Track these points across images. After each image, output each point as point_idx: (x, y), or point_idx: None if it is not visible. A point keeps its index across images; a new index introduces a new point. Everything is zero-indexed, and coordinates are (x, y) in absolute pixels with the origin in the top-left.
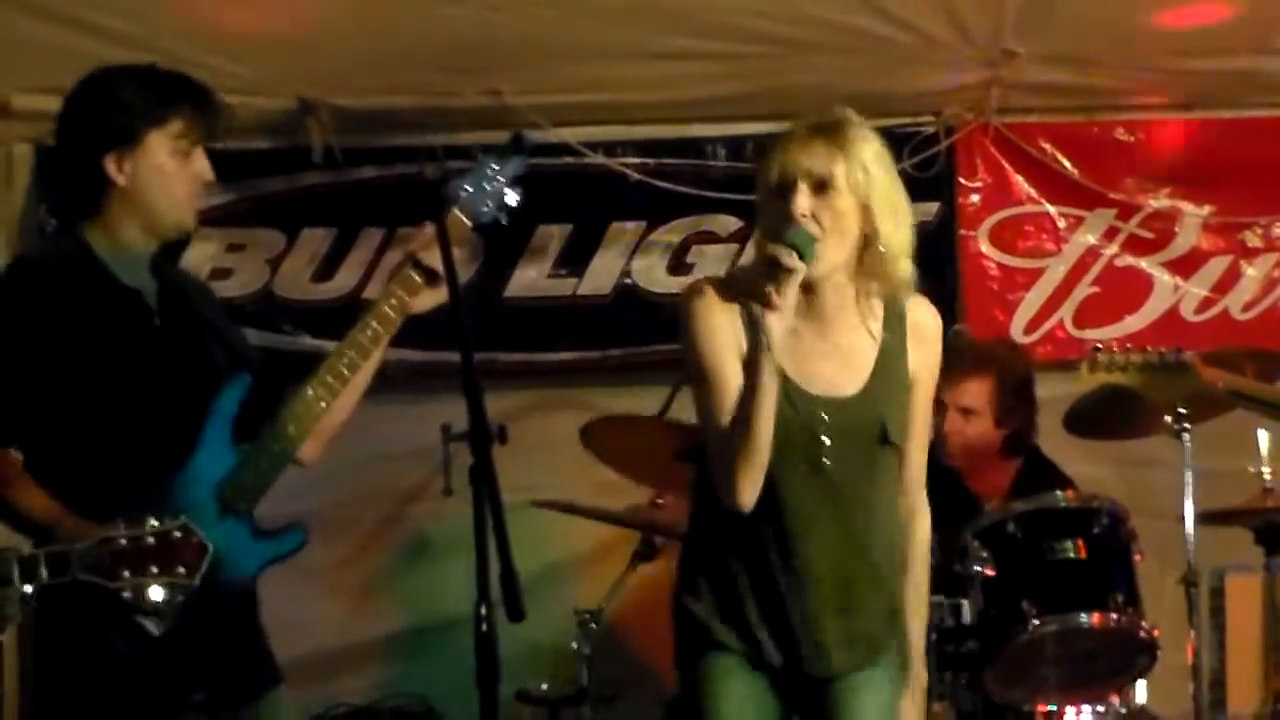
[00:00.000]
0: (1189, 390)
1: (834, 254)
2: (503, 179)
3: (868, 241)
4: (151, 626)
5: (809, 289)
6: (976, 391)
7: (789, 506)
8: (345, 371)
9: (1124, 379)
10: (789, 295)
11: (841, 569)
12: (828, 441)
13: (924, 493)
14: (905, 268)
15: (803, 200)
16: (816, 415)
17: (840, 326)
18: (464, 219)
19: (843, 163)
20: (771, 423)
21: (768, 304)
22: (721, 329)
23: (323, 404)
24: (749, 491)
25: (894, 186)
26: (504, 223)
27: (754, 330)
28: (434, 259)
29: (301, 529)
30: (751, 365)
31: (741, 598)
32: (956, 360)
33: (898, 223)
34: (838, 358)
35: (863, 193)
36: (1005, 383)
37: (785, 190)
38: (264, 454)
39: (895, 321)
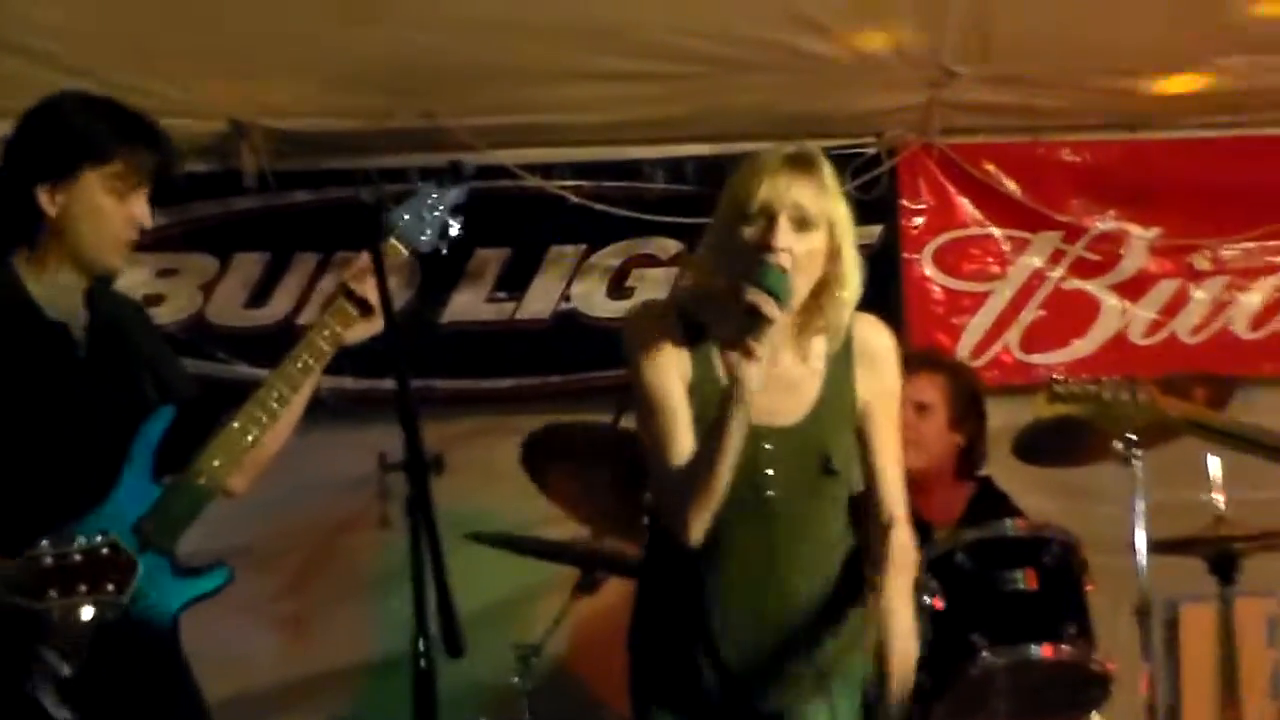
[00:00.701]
0: (1145, 420)
1: (799, 293)
2: (443, 207)
3: (825, 284)
4: (64, 667)
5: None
6: (930, 386)
7: (732, 539)
8: (274, 405)
9: (1080, 410)
10: (766, 343)
11: (787, 601)
12: (771, 473)
13: (902, 507)
14: (849, 310)
15: (785, 236)
16: (759, 446)
17: (782, 356)
18: (402, 247)
19: (827, 201)
20: (732, 465)
21: (748, 354)
22: (668, 360)
23: (249, 437)
24: (699, 528)
25: (852, 227)
26: (444, 252)
27: (706, 366)
28: (368, 289)
29: (225, 566)
30: (720, 422)
31: (689, 634)
32: (910, 362)
33: (857, 270)
34: (780, 387)
35: (839, 236)
36: (958, 383)
37: (765, 221)
38: (186, 489)
39: (839, 346)
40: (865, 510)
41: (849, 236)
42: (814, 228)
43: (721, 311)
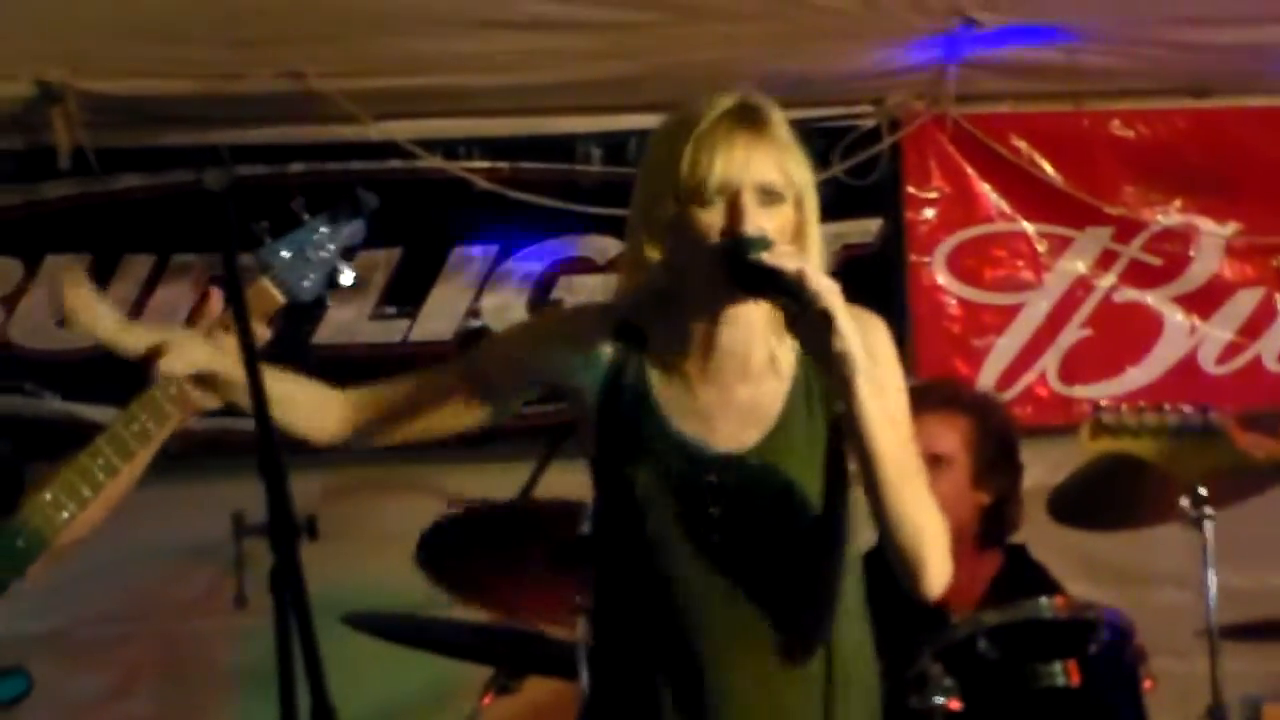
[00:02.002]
0: (1218, 463)
1: None
2: (332, 247)
3: None
4: None
5: (713, 324)
6: (948, 433)
7: (680, 603)
8: (99, 475)
9: (1136, 446)
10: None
11: (755, 676)
12: (715, 513)
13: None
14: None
15: (755, 216)
16: (700, 479)
17: (745, 369)
18: (277, 293)
19: (793, 169)
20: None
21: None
22: (555, 334)
23: (65, 514)
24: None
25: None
26: (328, 304)
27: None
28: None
29: (23, 673)
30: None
31: None
32: (918, 398)
33: (822, 245)
34: (737, 407)
35: (805, 205)
36: (984, 428)
37: (725, 202)
38: None
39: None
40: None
41: (814, 204)
42: (781, 200)
43: (664, 318)
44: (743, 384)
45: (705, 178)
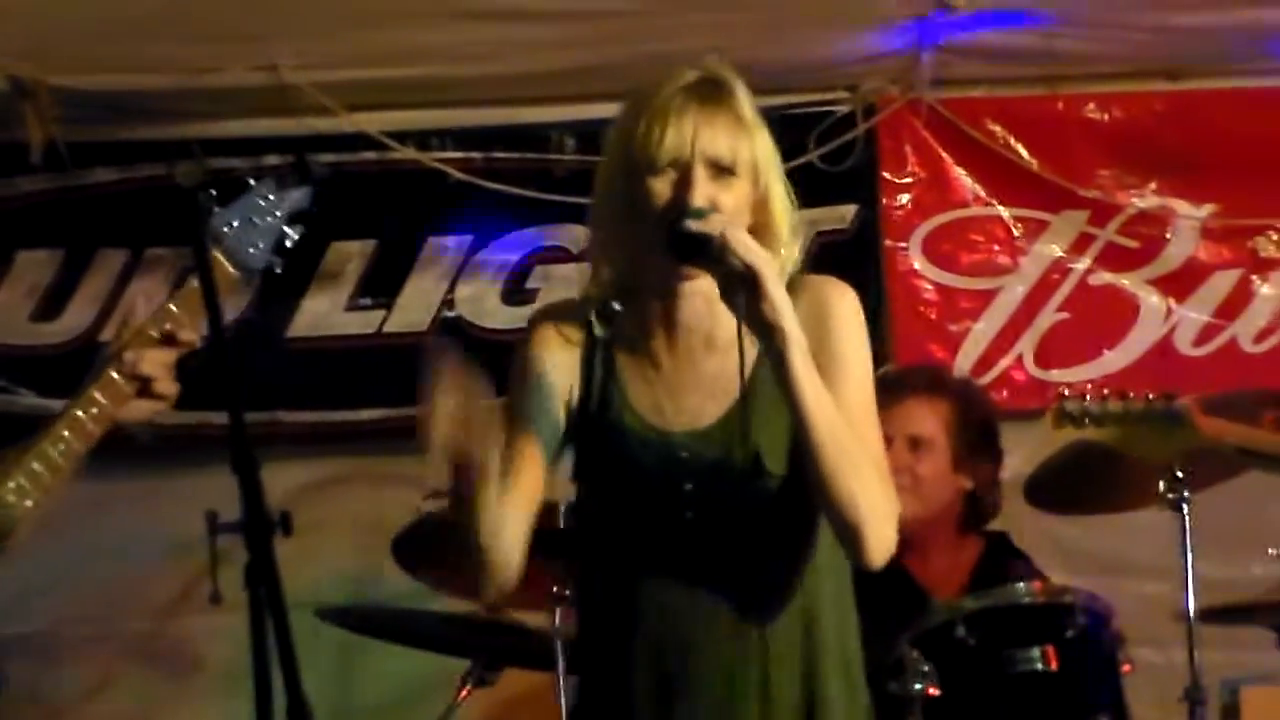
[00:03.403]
0: (1186, 447)
1: None
2: (279, 213)
3: (755, 237)
4: None
5: (670, 300)
6: (929, 417)
7: (653, 589)
8: (60, 460)
9: (1101, 434)
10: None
11: (737, 660)
12: (689, 487)
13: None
14: (793, 261)
15: (703, 189)
16: (674, 457)
17: (710, 341)
18: (226, 263)
19: (746, 141)
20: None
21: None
22: (553, 366)
23: (28, 502)
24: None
25: (778, 162)
26: (278, 270)
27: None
28: (146, 363)
29: None
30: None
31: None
32: (900, 382)
33: (787, 210)
34: (703, 383)
35: (762, 181)
36: (966, 413)
37: (674, 173)
38: None
39: None
40: None
41: (776, 176)
42: (735, 173)
43: (628, 301)
44: (709, 357)
45: (655, 149)
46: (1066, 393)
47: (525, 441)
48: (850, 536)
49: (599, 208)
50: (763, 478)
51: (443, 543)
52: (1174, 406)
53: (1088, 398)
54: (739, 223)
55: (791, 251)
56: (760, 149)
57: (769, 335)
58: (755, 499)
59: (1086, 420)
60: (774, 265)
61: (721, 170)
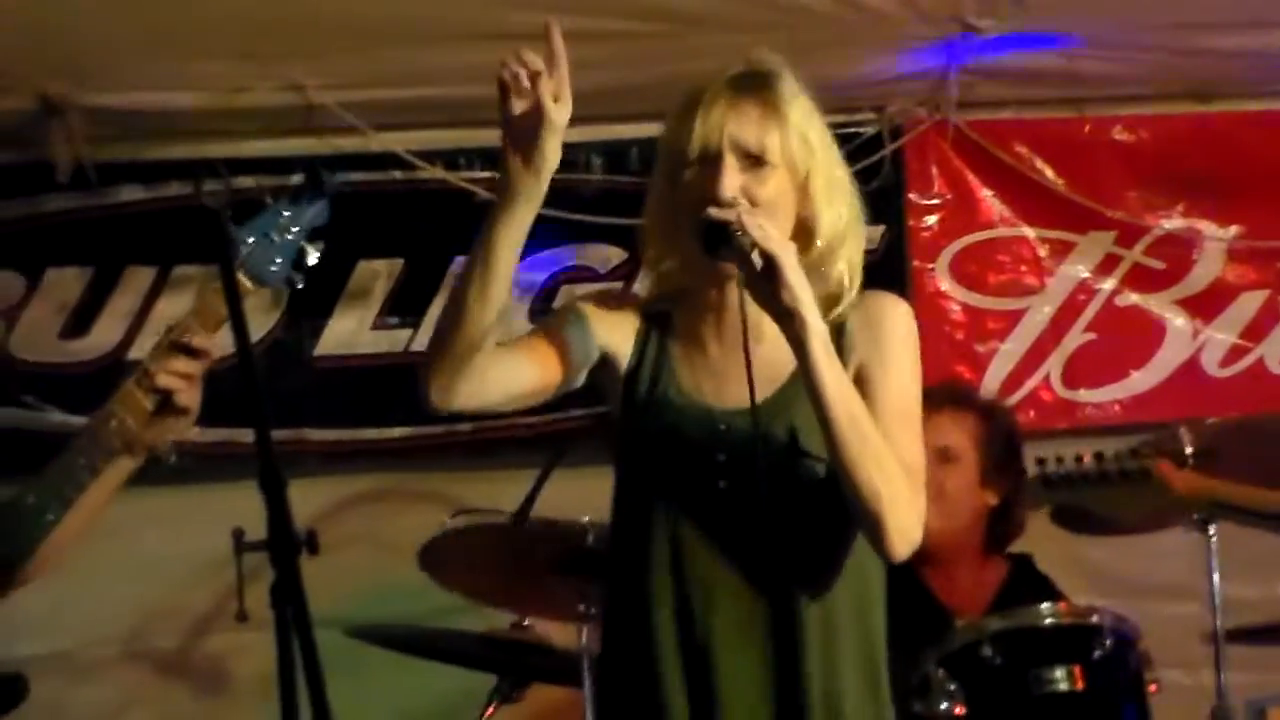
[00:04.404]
0: (1155, 506)
1: None
2: (297, 228)
3: (801, 230)
4: None
5: (719, 289)
6: (956, 430)
7: (688, 563)
8: (82, 476)
9: (1078, 498)
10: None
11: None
12: (722, 458)
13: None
14: (844, 265)
15: (731, 179)
16: (714, 429)
17: (758, 328)
18: (246, 280)
19: (777, 130)
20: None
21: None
22: (603, 327)
23: (50, 517)
24: (439, 388)
25: (834, 159)
26: (298, 285)
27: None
28: (169, 378)
29: (19, 679)
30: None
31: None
32: (928, 397)
33: (838, 207)
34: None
35: (801, 169)
36: (993, 429)
37: (705, 164)
38: None
39: (835, 316)
40: None
41: (821, 165)
42: (768, 162)
43: (684, 295)
44: (756, 347)
45: (687, 140)
46: (1043, 460)
47: (549, 339)
48: (871, 524)
49: (649, 202)
50: (799, 458)
51: (468, 557)
52: (1145, 465)
53: (1066, 461)
54: (777, 213)
55: (844, 244)
56: (796, 138)
57: (787, 321)
58: (789, 476)
59: (1064, 486)
60: (792, 251)
61: (754, 159)
